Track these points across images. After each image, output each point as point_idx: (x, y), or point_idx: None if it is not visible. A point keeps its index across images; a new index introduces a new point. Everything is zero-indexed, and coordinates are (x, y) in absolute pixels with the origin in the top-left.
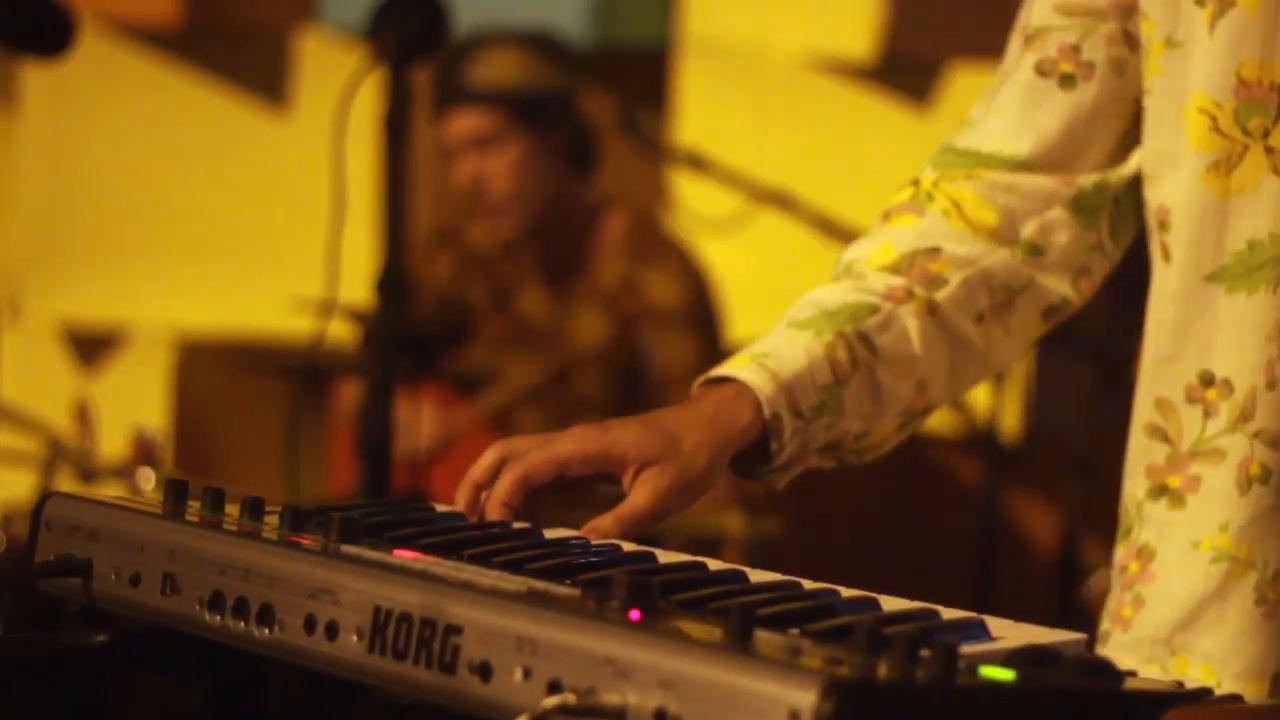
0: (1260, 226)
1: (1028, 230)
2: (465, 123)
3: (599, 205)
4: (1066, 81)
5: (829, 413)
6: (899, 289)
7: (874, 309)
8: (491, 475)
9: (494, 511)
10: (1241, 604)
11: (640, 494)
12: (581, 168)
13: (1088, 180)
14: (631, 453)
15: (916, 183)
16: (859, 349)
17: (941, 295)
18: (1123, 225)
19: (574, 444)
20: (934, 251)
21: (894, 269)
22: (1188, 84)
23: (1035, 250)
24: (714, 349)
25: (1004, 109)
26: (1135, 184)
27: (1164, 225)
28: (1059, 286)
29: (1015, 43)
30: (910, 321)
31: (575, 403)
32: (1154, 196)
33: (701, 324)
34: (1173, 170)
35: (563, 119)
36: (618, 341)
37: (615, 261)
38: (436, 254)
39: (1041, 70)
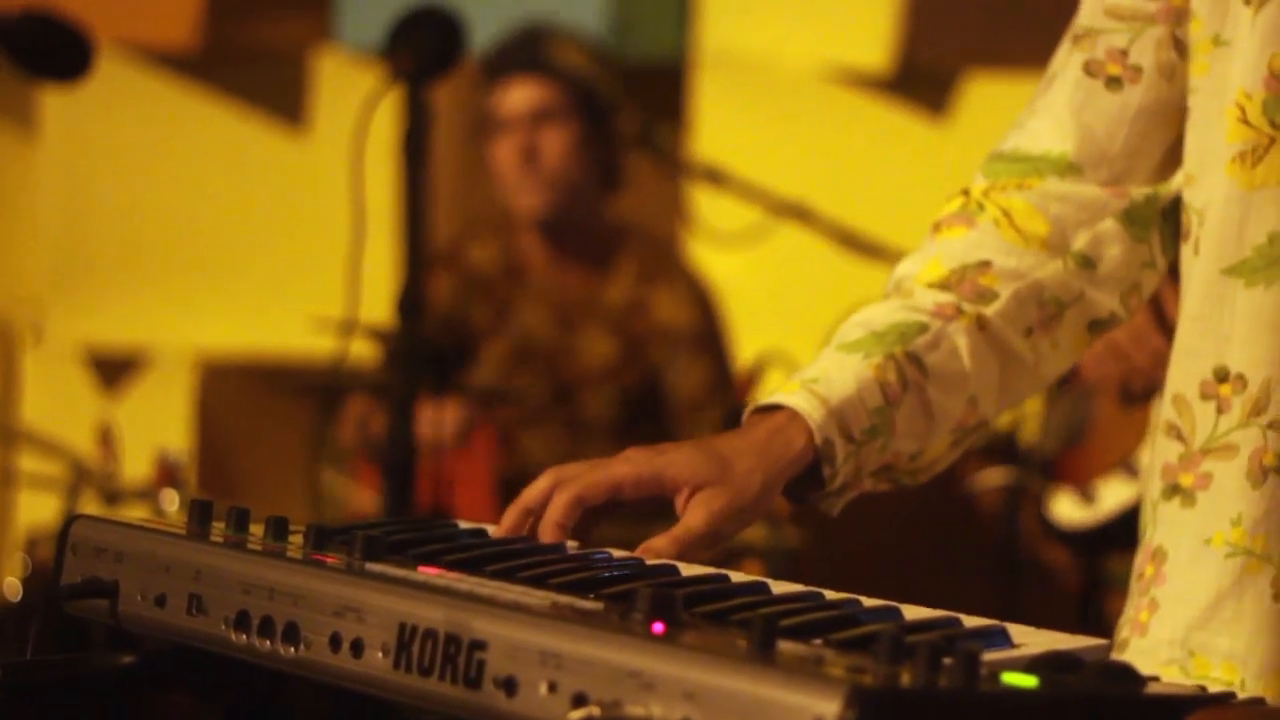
0: None
1: (1079, 241)
2: (531, 93)
3: (613, 226)
4: (1113, 84)
5: (881, 435)
6: (948, 305)
7: (923, 328)
8: (543, 500)
9: (548, 532)
10: (1259, 599)
11: (695, 515)
12: (607, 184)
13: (1139, 193)
14: (684, 475)
15: (967, 192)
16: (909, 369)
17: (991, 310)
18: (1171, 241)
19: (627, 466)
20: (984, 265)
21: (943, 285)
22: (1230, 82)
23: (1087, 262)
24: (724, 370)
25: (1050, 107)
26: (1180, 200)
27: (1201, 221)
28: (1109, 301)
29: (1065, 44)
30: (960, 339)
31: (583, 422)
32: (1194, 197)
33: (712, 346)
34: (1213, 168)
35: (608, 128)
36: (626, 361)
37: (623, 281)
38: (437, 277)
39: (1089, 71)
